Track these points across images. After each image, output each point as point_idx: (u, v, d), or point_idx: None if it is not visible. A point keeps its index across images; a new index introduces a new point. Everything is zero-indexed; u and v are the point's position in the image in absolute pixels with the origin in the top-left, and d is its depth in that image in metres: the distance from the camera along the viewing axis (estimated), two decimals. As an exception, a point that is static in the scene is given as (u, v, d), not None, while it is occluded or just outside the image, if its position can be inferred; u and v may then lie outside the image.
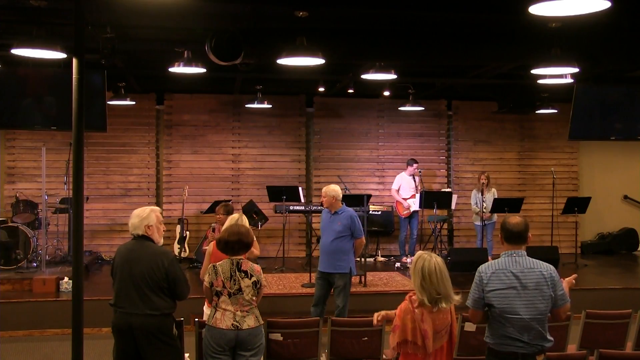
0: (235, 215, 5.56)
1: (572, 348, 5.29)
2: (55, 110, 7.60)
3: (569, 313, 4.17)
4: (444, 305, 3.85)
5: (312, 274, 8.31)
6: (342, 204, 6.65)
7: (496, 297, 3.74)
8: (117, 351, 4.34)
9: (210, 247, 5.66)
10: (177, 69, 6.99)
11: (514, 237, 3.85)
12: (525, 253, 3.87)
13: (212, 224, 6.59)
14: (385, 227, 11.15)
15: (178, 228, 10.39)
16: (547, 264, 3.88)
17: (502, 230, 3.91)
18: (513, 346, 3.76)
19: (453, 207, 10.83)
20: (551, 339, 3.85)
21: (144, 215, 4.43)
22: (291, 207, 10.01)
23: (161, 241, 4.51)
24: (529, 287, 3.75)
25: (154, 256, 4.35)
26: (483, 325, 4.98)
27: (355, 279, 8.40)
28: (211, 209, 9.99)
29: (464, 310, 5.15)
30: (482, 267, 3.86)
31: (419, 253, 4.02)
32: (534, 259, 3.87)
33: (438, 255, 4.00)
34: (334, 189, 6.56)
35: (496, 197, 10.24)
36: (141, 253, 4.35)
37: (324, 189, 6.63)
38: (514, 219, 3.90)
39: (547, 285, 3.78)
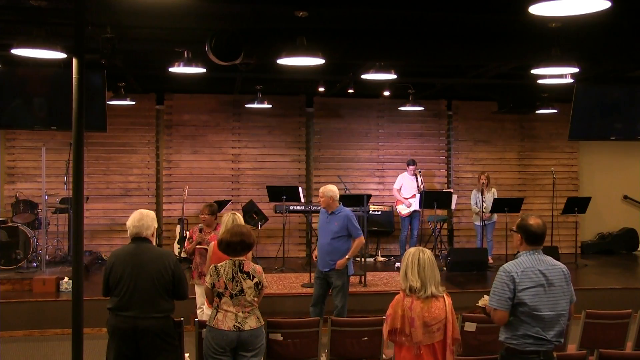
0: (228, 218, 5.55)
1: (572, 348, 5.29)
2: (55, 110, 7.60)
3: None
4: (432, 291, 3.90)
5: (311, 274, 8.30)
6: (340, 204, 6.64)
7: (528, 296, 3.71)
8: (116, 354, 4.30)
9: (211, 247, 5.66)
10: (177, 69, 6.98)
11: (538, 239, 3.83)
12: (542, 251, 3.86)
13: (200, 225, 6.60)
14: (385, 227, 11.14)
15: (178, 228, 10.39)
16: (559, 262, 3.89)
17: (522, 232, 3.84)
18: (536, 344, 3.75)
19: (453, 207, 10.85)
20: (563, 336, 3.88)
21: (152, 217, 4.45)
22: (291, 207, 10.01)
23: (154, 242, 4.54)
24: (554, 284, 3.76)
25: (160, 259, 4.35)
26: (484, 325, 4.99)
27: (355, 279, 8.40)
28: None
29: (464, 311, 5.15)
30: (509, 267, 3.79)
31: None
32: (550, 257, 3.87)
33: (437, 255, 4.07)
34: (331, 189, 6.55)
35: (496, 197, 10.24)
36: (147, 257, 4.33)
37: (321, 189, 6.63)
38: (534, 220, 3.85)
39: (567, 282, 3.82)
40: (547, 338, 3.74)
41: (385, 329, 4.02)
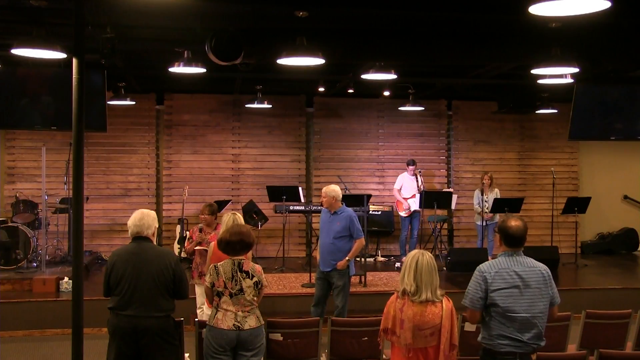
0: (228, 217, 5.56)
1: (572, 348, 5.29)
2: (55, 110, 7.61)
3: (559, 313, 4.20)
4: (428, 296, 3.89)
5: (312, 274, 8.31)
6: (342, 204, 6.64)
7: (500, 297, 3.73)
8: (116, 353, 4.31)
9: (211, 247, 5.67)
10: (177, 69, 6.98)
11: (516, 241, 3.85)
12: (522, 253, 3.88)
13: (200, 224, 6.61)
14: (385, 227, 11.14)
15: (178, 228, 10.39)
16: (541, 263, 3.89)
17: (501, 234, 3.88)
18: (511, 346, 3.75)
19: (453, 207, 10.84)
20: (544, 339, 3.86)
21: (153, 216, 4.46)
22: (291, 207, 10.00)
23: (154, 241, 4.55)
24: (531, 286, 3.76)
25: (161, 257, 4.36)
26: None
27: (355, 279, 8.40)
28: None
29: (464, 311, 5.14)
30: (483, 267, 3.84)
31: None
32: (530, 258, 3.88)
33: (437, 255, 4.07)
34: (334, 189, 6.55)
35: (498, 197, 10.22)
36: (148, 255, 4.34)
37: (323, 189, 6.62)
38: (515, 222, 3.87)
39: (545, 284, 3.81)
40: (523, 340, 3.74)
41: (381, 328, 4.06)
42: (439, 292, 4.00)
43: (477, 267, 3.88)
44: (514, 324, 3.73)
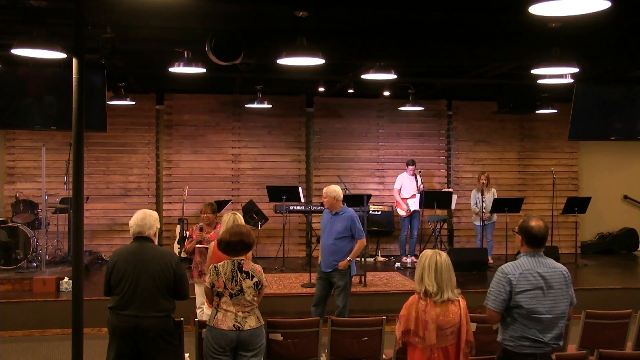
0: (228, 217, 5.56)
1: (572, 348, 5.29)
2: (55, 110, 7.60)
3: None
4: (449, 295, 3.89)
5: (312, 274, 8.31)
6: (343, 204, 6.64)
7: (525, 299, 3.69)
8: (116, 353, 4.31)
9: (211, 247, 5.67)
10: (177, 69, 6.98)
11: (539, 242, 3.80)
12: (543, 253, 3.84)
13: (200, 223, 6.60)
14: (385, 227, 11.15)
15: (178, 228, 10.38)
16: (561, 264, 3.87)
17: (523, 234, 3.81)
18: (533, 347, 3.72)
19: (453, 207, 10.85)
20: (562, 339, 3.85)
21: (155, 217, 4.47)
22: (291, 207, 10.00)
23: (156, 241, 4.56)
24: (554, 287, 3.73)
25: (162, 257, 4.36)
26: (484, 325, 4.99)
27: (355, 279, 8.40)
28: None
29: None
30: (507, 268, 3.77)
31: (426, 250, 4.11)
32: (550, 259, 3.85)
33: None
34: (335, 190, 6.55)
35: (496, 197, 10.23)
36: (149, 255, 4.35)
37: (324, 190, 6.62)
38: (536, 222, 3.81)
39: (566, 285, 3.79)
40: (545, 341, 3.72)
41: (399, 329, 4.00)
42: (456, 290, 3.98)
43: (500, 268, 3.80)
44: (537, 326, 3.70)
